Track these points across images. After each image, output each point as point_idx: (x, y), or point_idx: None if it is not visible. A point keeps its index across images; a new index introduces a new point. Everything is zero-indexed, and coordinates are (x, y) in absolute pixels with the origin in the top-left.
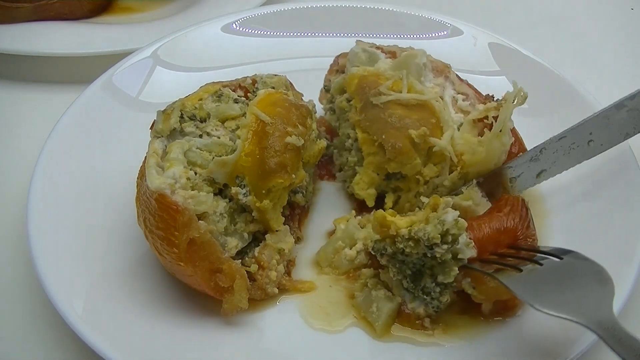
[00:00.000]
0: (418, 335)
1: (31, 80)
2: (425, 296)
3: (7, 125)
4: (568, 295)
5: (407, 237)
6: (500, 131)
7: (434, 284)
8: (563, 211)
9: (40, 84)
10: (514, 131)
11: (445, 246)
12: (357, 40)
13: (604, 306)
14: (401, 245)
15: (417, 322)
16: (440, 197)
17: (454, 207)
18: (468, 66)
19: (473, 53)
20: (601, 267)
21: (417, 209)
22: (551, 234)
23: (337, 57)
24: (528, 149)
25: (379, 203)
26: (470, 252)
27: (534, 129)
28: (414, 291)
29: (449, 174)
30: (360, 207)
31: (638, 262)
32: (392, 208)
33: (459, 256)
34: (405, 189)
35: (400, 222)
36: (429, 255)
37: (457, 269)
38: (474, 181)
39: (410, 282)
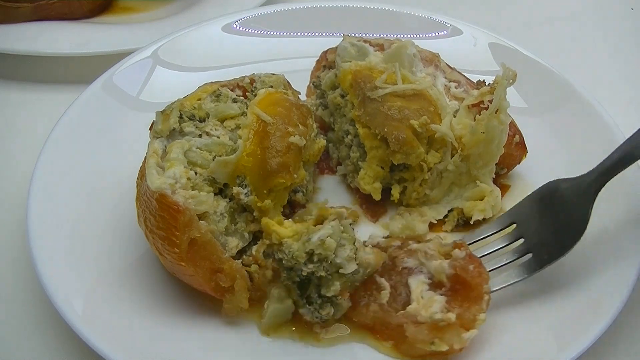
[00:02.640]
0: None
1: (31, 80)
2: (308, 305)
3: (7, 125)
4: None
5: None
6: (497, 111)
7: (317, 295)
8: None
9: (40, 84)
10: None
11: (311, 265)
12: (344, 35)
13: None
14: (281, 256)
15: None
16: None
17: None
18: (468, 66)
19: (473, 53)
20: None
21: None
22: None
23: (325, 52)
24: (527, 145)
25: (385, 195)
26: (352, 267)
27: (533, 129)
28: (300, 299)
29: (451, 158)
30: (366, 201)
31: (638, 262)
32: (399, 199)
33: (341, 271)
34: (410, 178)
35: (284, 232)
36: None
37: (338, 283)
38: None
39: (297, 289)
